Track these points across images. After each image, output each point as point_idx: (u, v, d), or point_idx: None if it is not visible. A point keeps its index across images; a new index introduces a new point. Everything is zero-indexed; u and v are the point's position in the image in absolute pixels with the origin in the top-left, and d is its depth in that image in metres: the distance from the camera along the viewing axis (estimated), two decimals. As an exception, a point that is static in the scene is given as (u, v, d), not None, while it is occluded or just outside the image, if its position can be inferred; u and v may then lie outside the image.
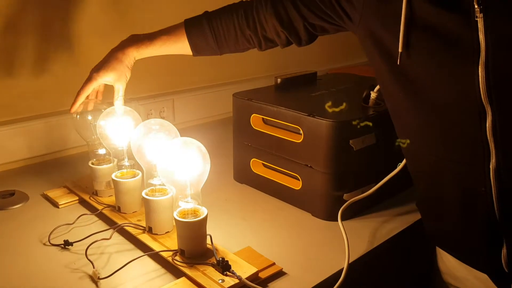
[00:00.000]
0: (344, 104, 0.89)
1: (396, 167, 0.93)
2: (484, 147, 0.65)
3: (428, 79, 0.68)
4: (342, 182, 0.89)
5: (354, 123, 0.85)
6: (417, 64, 0.69)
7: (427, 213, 0.82)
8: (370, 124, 0.86)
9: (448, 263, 0.83)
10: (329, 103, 0.89)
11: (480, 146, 0.66)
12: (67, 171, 1.10)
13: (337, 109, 0.88)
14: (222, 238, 0.82)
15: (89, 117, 0.94)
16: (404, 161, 0.85)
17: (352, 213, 0.90)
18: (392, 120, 0.79)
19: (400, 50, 0.69)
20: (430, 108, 0.70)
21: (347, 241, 0.79)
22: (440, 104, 0.68)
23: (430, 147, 0.73)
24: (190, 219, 0.72)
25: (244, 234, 0.85)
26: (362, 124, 0.85)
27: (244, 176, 1.05)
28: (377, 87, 0.94)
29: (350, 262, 0.75)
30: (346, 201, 0.88)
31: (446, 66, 0.66)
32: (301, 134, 0.90)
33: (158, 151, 0.77)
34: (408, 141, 0.77)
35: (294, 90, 1.08)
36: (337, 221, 0.86)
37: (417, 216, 0.89)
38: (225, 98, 1.48)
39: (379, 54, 0.73)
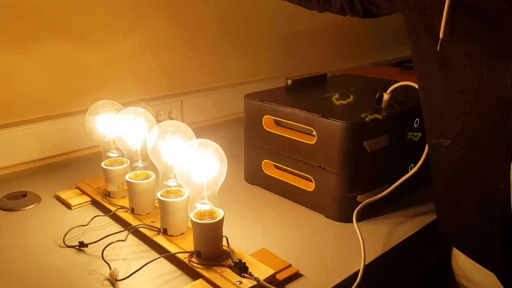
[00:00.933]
0: (352, 96, 0.88)
1: (409, 168, 0.94)
2: (508, 145, 0.66)
3: (466, 67, 0.68)
4: (356, 183, 0.89)
5: (362, 115, 0.86)
6: (458, 49, 0.68)
7: (444, 208, 0.82)
8: (380, 117, 0.87)
9: (463, 265, 0.83)
10: (336, 96, 0.89)
11: (504, 142, 0.66)
12: (79, 172, 1.10)
13: (344, 102, 0.88)
14: (235, 239, 0.82)
15: (103, 119, 0.93)
16: (419, 162, 0.85)
17: (365, 215, 0.90)
18: (422, 107, 0.78)
19: (441, 36, 0.68)
20: (464, 96, 0.69)
21: (363, 242, 0.79)
22: (473, 94, 0.68)
23: (458, 137, 0.73)
24: (207, 220, 0.72)
25: (257, 235, 0.85)
26: (370, 117, 0.86)
27: (256, 178, 1.05)
28: (390, 88, 0.94)
29: (366, 263, 0.75)
30: (360, 202, 0.88)
31: (483, 56, 0.66)
32: (314, 136, 0.90)
33: (175, 153, 0.77)
34: (420, 134, 0.76)
35: (306, 91, 1.08)
36: (350, 222, 0.86)
37: (431, 217, 0.89)
38: (233, 99, 1.49)
39: (425, 35, 0.72)
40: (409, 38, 0.78)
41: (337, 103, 0.87)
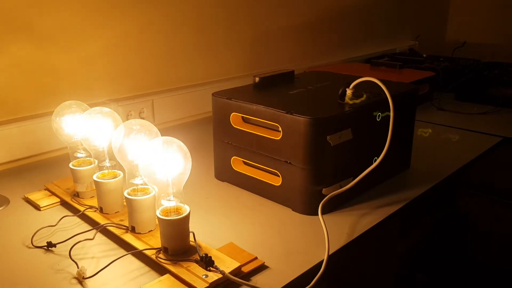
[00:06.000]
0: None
1: (373, 160, 0.97)
2: None
3: None
4: (320, 177, 0.91)
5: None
6: None
7: None
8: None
9: None
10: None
11: None
12: (48, 173, 1.10)
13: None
14: (204, 235, 0.83)
15: (69, 120, 0.94)
16: (381, 154, 0.88)
17: (331, 207, 0.93)
18: None
19: None
20: None
21: (327, 234, 0.81)
22: None
23: None
24: (173, 217, 0.74)
25: (226, 230, 0.87)
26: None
27: (225, 174, 1.07)
28: (352, 84, 0.96)
29: (330, 254, 0.78)
30: (325, 195, 0.91)
31: None
32: (280, 132, 0.92)
33: (139, 151, 0.78)
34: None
35: (273, 89, 1.10)
36: (317, 215, 0.88)
37: (394, 208, 0.92)
38: (204, 98, 1.50)
39: None
40: None
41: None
